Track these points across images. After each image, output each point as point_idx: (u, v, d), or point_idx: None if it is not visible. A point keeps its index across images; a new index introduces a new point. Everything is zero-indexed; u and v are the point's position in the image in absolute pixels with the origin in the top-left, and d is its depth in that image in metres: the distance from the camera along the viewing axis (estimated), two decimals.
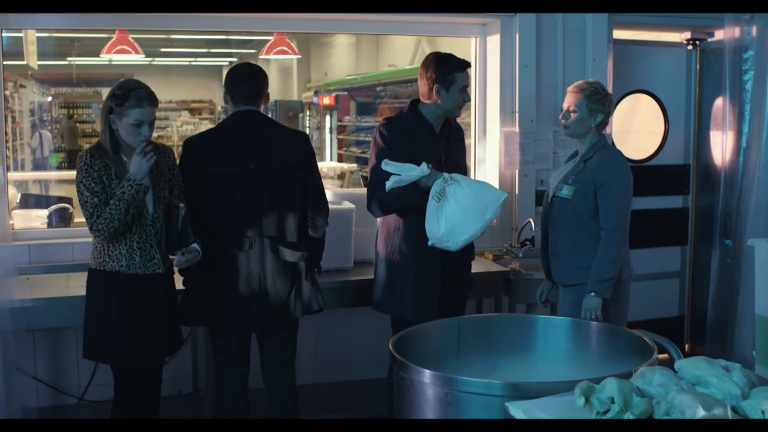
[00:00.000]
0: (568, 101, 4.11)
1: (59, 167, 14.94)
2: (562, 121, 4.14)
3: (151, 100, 3.68)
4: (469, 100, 4.31)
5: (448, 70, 4.17)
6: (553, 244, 4.20)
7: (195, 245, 3.77)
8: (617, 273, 4.03)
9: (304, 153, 4.07)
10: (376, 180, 4.12)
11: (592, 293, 3.97)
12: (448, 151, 4.27)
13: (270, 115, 9.80)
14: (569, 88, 4.16)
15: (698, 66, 6.07)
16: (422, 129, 4.24)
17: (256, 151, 3.93)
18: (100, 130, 3.72)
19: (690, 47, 6.08)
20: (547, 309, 4.79)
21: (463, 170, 4.29)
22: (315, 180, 4.11)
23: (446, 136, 4.29)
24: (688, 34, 6.04)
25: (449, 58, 4.25)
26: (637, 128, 6.09)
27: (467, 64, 4.26)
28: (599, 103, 4.06)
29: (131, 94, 3.62)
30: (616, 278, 4.04)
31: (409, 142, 4.20)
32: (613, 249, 4.00)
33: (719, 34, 5.84)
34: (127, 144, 3.68)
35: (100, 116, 3.71)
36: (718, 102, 5.84)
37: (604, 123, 4.13)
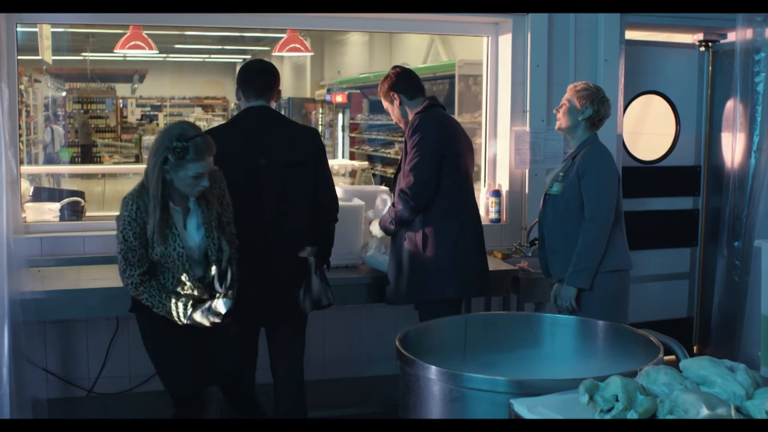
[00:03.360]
0: (563, 98, 4.28)
1: (72, 162, 15.04)
2: (555, 113, 4.30)
3: (210, 149, 3.49)
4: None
5: None
6: (549, 240, 4.31)
7: (223, 301, 3.62)
8: (595, 263, 4.09)
9: (315, 148, 4.09)
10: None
11: (568, 284, 4.10)
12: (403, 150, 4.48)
13: (283, 113, 9.81)
14: (568, 87, 4.32)
15: (710, 68, 6.05)
16: None
17: (266, 146, 3.94)
18: (147, 175, 3.50)
19: (702, 49, 6.07)
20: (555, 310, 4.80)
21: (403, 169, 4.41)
22: (325, 175, 4.12)
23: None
24: (700, 36, 6.02)
25: None
26: (649, 129, 6.08)
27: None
28: (587, 99, 4.18)
29: (190, 146, 3.42)
30: (605, 270, 4.12)
31: None
32: (589, 238, 4.08)
33: (732, 36, 5.82)
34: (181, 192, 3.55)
35: (149, 162, 3.48)
36: (729, 104, 5.82)
37: (594, 120, 4.21)
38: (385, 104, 4.56)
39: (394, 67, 4.59)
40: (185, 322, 3.56)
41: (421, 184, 4.26)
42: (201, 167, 3.46)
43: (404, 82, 4.50)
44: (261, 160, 3.92)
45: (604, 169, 4.16)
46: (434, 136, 4.32)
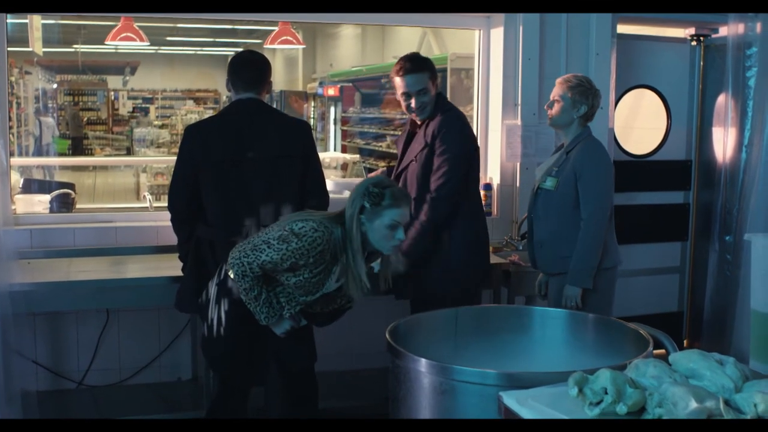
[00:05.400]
0: (554, 92, 4.25)
1: (62, 153, 15.00)
2: (548, 111, 4.26)
3: (407, 200, 3.44)
4: (413, 108, 4.28)
5: (392, 73, 4.34)
6: (538, 234, 4.29)
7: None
8: (597, 262, 4.10)
9: (304, 141, 4.05)
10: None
11: (571, 283, 4.08)
12: (412, 147, 4.35)
13: (275, 105, 9.77)
14: (557, 80, 4.29)
15: (702, 62, 6.06)
16: (411, 125, 4.46)
17: (254, 138, 3.91)
18: (347, 227, 3.39)
19: (694, 43, 6.07)
20: (544, 302, 4.81)
21: (405, 167, 4.33)
22: (315, 169, 4.09)
23: (422, 133, 4.31)
24: (692, 30, 6.03)
25: (401, 59, 4.35)
26: (640, 123, 6.08)
27: (409, 69, 4.24)
28: (582, 95, 4.17)
29: (387, 192, 3.36)
30: (601, 268, 4.12)
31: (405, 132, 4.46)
32: (590, 238, 4.08)
33: (723, 31, 5.82)
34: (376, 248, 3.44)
35: (347, 212, 3.40)
36: (721, 98, 5.83)
37: (588, 116, 4.22)
38: (419, 86, 4.23)
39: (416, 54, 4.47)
40: (264, 324, 3.53)
41: (454, 189, 4.21)
42: (397, 215, 3.35)
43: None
44: (248, 153, 3.89)
45: (603, 168, 4.16)
46: (465, 137, 4.30)
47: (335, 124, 13.85)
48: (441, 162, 4.19)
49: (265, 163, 3.89)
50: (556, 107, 4.20)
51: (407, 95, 4.25)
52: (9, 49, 4.87)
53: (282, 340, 3.67)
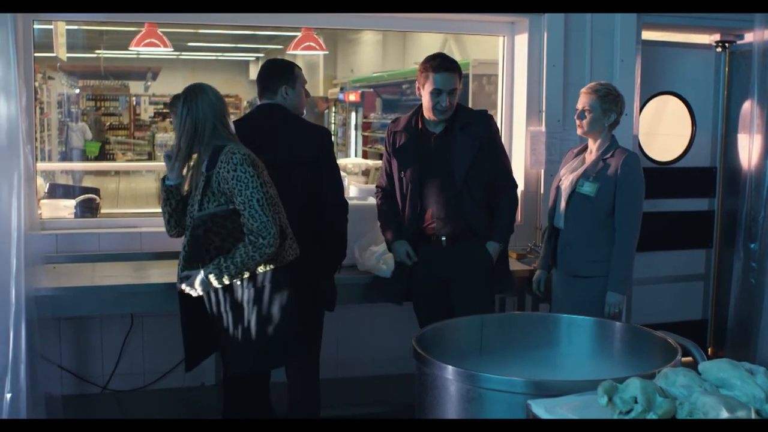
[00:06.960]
0: (582, 102, 4.29)
1: (95, 157, 15.10)
2: (578, 121, 4.32)
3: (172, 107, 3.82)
4: (443, 107, 4.19)
5: (423, 68, 4.23)
6: (568, 235, 4.33)
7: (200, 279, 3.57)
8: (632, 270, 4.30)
9: (318, 147, 4.05)
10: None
11: (615, 291, 4.17)
12: (446, 151, 4.26)
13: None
14: (583, 90, 4.35)
15: (727, 68, 6.02)
16: (414, 129, 4.34)
17: (267, 143, 3.92)
18: None
19: (719, 49, 6.03)
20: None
21: (462, 170, 4.23)
22: (331, 175, 4.08)
23: (453, 136, 4.27)
24: (717, 36, 5.99)
25: (432, 57, 4.26)
26: (664, 130, 6.05)
27: (446, 67, 4.20)
28: (612, 103, 4.25)
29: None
30: None
31: (401, 141, 4.38)
32: (632, 248, 4.23)
33: (749, 37, 5.78)
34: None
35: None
36: (746, 105, 5.78)
37: (616, 123, 4.31)
38: (452, 86, 4.20)
39: None
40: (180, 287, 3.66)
41: None
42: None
43: None
44: (260, 157, 3.90)
45: (642, 182, 4.29)
46: None
47: (356, 129, 13.86)
48: (503, 156, 4.51)
49: (275, 167, 3.88)
50: (588, 117, 4.26)
51: (438, 92, 4.16)
52: (34, 54, 4.89)
53: (228, 343, 3.65)
